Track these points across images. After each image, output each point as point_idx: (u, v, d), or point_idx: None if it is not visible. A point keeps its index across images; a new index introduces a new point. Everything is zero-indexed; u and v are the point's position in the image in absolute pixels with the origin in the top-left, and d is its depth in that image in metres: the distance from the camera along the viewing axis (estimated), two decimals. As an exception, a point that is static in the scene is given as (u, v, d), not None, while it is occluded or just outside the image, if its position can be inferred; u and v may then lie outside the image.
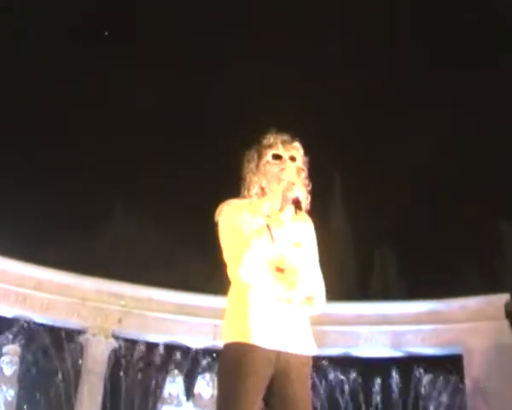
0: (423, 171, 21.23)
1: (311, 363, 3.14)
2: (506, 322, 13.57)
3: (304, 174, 3.31)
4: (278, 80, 21.82)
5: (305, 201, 3.28)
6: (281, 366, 3.01)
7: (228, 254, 3.13)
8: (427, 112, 22.13)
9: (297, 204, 3.13)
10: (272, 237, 3.08)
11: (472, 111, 21.28)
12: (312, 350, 3.14)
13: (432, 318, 14.01)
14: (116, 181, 21.88)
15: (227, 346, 3.05)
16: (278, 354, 3.00)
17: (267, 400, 3.03)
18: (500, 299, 13.85)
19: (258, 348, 2.97)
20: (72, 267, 14.38)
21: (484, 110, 21.62)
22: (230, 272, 3.14)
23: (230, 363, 3.00)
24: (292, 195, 3.14)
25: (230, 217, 3.16)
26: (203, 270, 19.73)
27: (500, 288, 14.67)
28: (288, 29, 22.36)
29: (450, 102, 21.28)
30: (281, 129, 3.39)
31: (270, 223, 3.11)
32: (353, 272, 19.85)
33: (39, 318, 14.07)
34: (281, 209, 3.14)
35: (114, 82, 21.71)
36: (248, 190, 3.29)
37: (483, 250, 18.35)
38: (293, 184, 3.18)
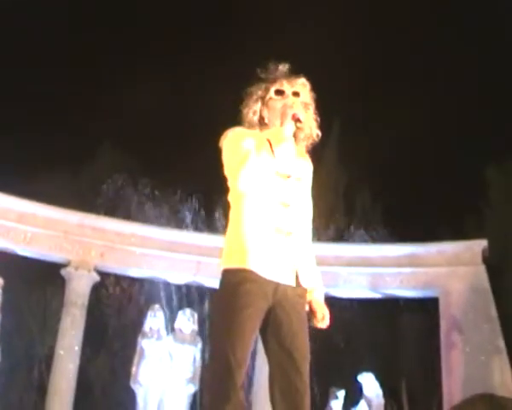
0: (407, 117, 21.28)
1: (306, 296, 3.17)
2: (483, 267, 13.80)
3: (312, 108, 3.31)
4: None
5: (315, 134, 3.32)
6: (278, 298, 3.02)
7: (228, 171, 3.14)
8: (424, 63, 22.09)
9: (296, 121, 3.16)
10: (272, 149, 3.13)
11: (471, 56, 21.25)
12: (309, 283, 3.18)
13: (411, 261, 14.18)
14: (102, 115, 21.77)
15: (225, 272, 3.06)
16: (276, 285, 3.02)
17: (263, 331, 3.05)
18: (478, 245, 14.04)
19: (256, 276, 2.99)
20: (55, 201, 14.37)
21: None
22: (230, 189, 3.17)
23: (227, 292, 3.01)
24: (291, 111, 3.16)
25: (234, 139, 3.16)
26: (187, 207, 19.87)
27: (478, 234, 14.90)
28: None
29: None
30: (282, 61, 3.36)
31: (271, 137, 3.17)
32: (335, 215, 20.00)
33: (22, 250, 14.10)
34: (281, 125, 3.17)
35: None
36: (247, 117, 3.30)
37: (463, 197, 18.53)
38: (291, 103, 3.19)
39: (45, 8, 22.44)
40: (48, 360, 15.08)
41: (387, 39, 22.59)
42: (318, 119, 3.34)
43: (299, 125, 3.19)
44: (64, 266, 14.13)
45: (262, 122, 3.30)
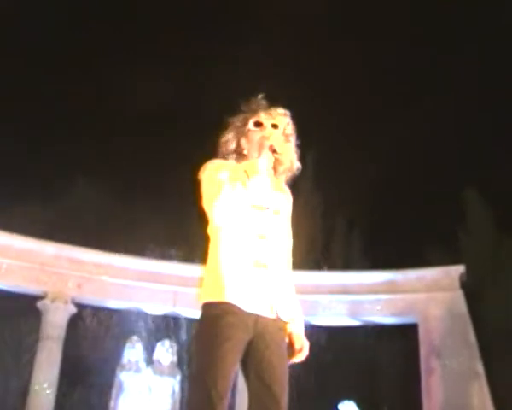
0: (384, 142, 21.45)
1: (286, 328, 3.16)
2: (460, 292, 13.90)
3: (293, 140, 3.33)
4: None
5: (295, 167, 3.35)
6: (258, 331, 3.01)
7: (204, 203, 3.14)
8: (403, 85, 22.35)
9: (273, 152, 3.17)
10: (249, 180, 3.13)
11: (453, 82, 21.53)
12: (289, 316, 3.17)
13: (389, 288, 14.25)
14: (76, 146, 21.66)
15: (204, 306, 3.05)
16: (256, 318, 3.02)
17: (244, 364, 3.04)
18: (456, 270, 14.16)
19: (236, 309, 2.98)
20: (31, 232, 14.22)
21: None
22: (208, 221, 3.16)
23: (207, 325, 3.00)
24: (268, 142, 3.17)
25: (211, 172, 3.17)
26: (163, 237, 19.77)
27: (455, 259, 15.00)
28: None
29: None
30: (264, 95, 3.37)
31: (248, 169, 3.16)
32: (313, 243, 20.00)
33: (-3, 283, 13.90)
34: (258, 156, 3.18)
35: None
36: (225, 147, 3.32)
37: (440, 222, 18.67)
38: (270, 135, 3.21)
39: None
40: (23, 395, 14.78)
41: (365, 62, 22.90)
42: (298, 151, 3.35)
43: (275, 155, 3.20)
44: (40, 298, 13.95)
45: (241, 153, 3.30)
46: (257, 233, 3.12)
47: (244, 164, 3.23)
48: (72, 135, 22.24)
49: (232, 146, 3.31)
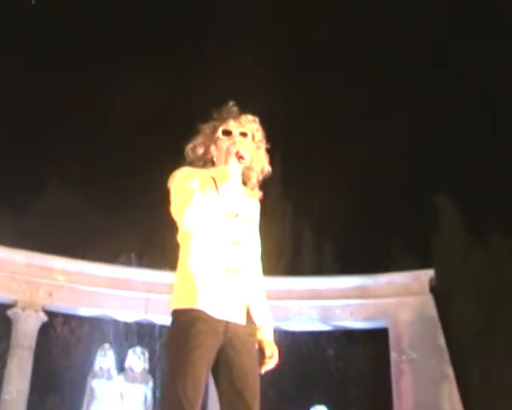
0: (353, 145, 21.57)
1: (256, 334, 3.19)
2: (430, 296, 14.07)
3: (263, 145, 3.37)
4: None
5: (266, 171, 3.40)
6: (228, 337, 3.03)
7: (174, 210, 3.15)
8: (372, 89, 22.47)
9: (239, 158, 3.19)
10: (217, 187, 3.16)
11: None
12: (259, 322, 3.21)
13: (360, 293, 14.36)
14: (48, 153, 21.47)
15: (175, 313, 3.07)
16: (227, 324, 3.04)
17: (215, 370, 3.05)
18: (425, 275, 14.33)
19: (206, 316, 3.00)
20: (1, 240, 14.08)
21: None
22: (179, 229, 3.18)
23: (177, 333, 3.01)
24: (235, 149, 3.20)
25: (180, 179, 3.18)
26: (135, 243, 19.67)
27: (425, 264, 15.18)
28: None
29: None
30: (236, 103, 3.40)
31: (216, 176, 3.20)
32: (283, 248, 20.06)
33: (-34, 292, 13.75)
34: (226, 163, 3.21)
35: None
36: (193, 154, 3.34)
37: (410, 227, 18.85)
38: (236, 141, 3.24)
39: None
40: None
41: (330, 65, 23.04)
42: (268, 156, 3.40)
43: (242, 162, 3.23)
44: (11, 306, 13.82)
45: (211, 160, 3.34)
46: (228, 239, 3.15)
47: (213, 171, 3.27)
48: (46, 141, 22.04)
49: (200, 152, 3.33)
